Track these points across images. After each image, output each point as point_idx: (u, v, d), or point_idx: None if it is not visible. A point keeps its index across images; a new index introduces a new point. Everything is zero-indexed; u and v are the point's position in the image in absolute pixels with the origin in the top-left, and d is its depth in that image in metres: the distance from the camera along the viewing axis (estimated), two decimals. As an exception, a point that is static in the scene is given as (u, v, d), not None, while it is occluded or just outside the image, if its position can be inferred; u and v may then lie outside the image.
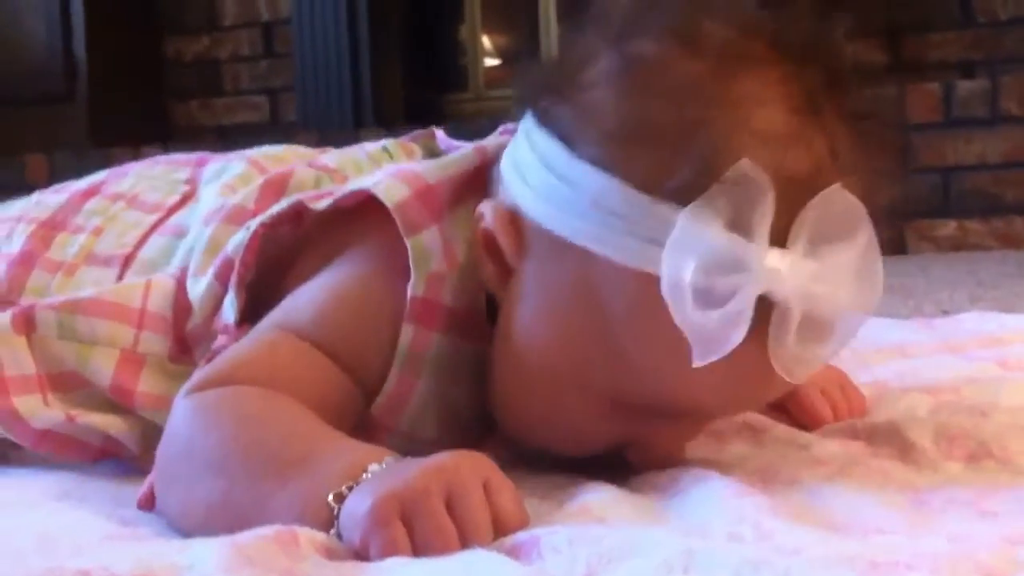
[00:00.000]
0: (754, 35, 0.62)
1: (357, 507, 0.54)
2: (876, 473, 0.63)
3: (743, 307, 0.57)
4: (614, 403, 0.64)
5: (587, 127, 0.63)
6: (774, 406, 0.78)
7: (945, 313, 1.37)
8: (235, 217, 0.78)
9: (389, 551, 0.52)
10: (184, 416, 0.65)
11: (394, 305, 0.68)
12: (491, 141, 0.74)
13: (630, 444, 0.66)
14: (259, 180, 0.80)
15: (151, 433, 0.74)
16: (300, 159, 0.84)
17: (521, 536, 0.52)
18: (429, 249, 0.68)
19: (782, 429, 0.73)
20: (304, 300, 0.70)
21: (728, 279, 0.57)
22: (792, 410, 0.77)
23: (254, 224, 0.74)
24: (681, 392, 0.62)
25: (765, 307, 0.58)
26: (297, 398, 0.65)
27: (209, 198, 0.83)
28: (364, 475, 0.56)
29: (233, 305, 0.73)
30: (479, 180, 0.71)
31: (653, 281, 0.58)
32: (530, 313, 0.66)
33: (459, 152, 0.73)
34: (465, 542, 0.52)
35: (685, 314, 0.58)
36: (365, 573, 0.51)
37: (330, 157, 0.83)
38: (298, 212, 0.73)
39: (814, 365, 0.61)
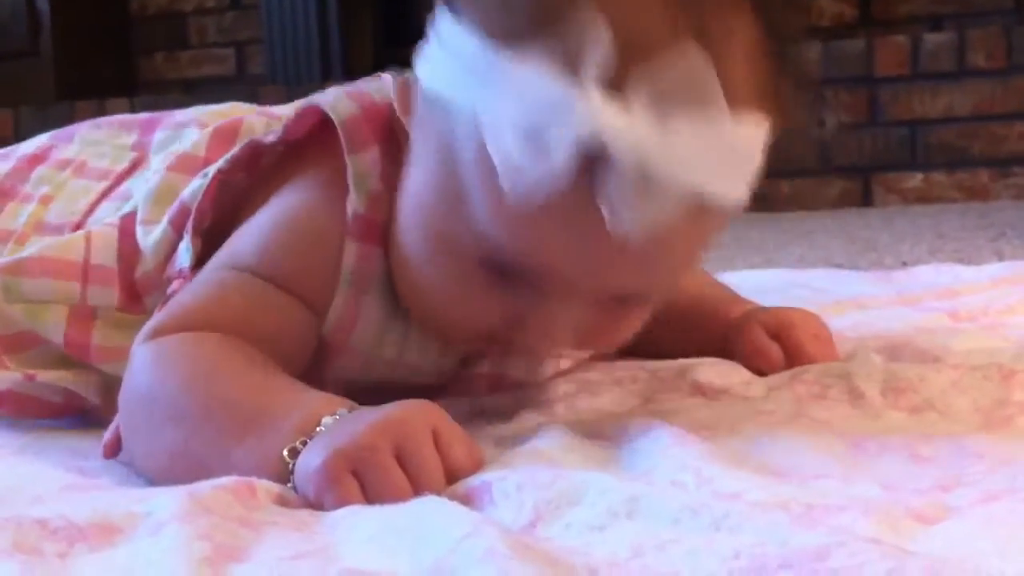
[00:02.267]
0: None
1: (309, 463, 0.55)
2: (818, 423, 0.65)
3: (561, 146, 0.57)
4: (485, 268, 0.64)
5: None
6: (726, 351, 0.79)
7: (904, 265, 1.39)
8: (184, 165, 0.79)
9: (342, 505, 0.53)
10: (142, 364, 0.66)
11: (337, 226, 0.69)
12: None
13: (516, 326, 0.65)
14: (208, 130, 0.80)
15: (111, 384, 0.75)
16: (245, 111, 0.84)
17: (473, 482, 0.54)
18: (368, 167, 0.69)
19: (737, 388, 0.74)
20: (247, 235, 0.71)
21: (552, 122, 0.57)
22: (745, 353, 0.79)
23: (211, 171, 0.74)
24: (528, 249, 0.62)
25: (601, 167, 0.57)
26: (254, 335, 0.66)
27: (159, 166, 0.83)
28: (318, 428, 0.57)
29: (189, 251, 0.74)
30: None
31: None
32: (409, 179, 0.67)
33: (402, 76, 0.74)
34: (417, 493, 0.54)
35: (504, 154, 0.58)
36: (320, 520, 0.52)
37: (278, 108, 0.84)
38: (253, 155, 0.74)
39: (655, 223, 0.58)
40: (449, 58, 0.63)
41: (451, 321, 0.68)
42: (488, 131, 0.59)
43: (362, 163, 0.69)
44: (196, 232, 0.74)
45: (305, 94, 0.82)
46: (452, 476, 0.55)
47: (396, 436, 0.55)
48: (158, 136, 0.86)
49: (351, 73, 3.02)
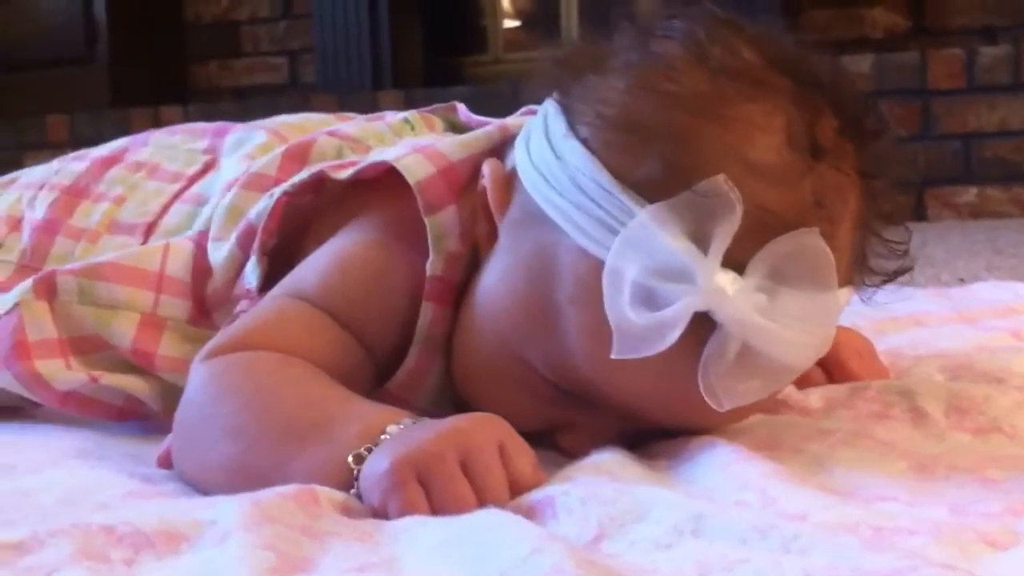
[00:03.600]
0: (776, 63, 0.62)
1: (376, 468, 0.55)
2: (881, 443, 0.64)
3: (678, 315, 0.57)
4: (548, 383, 0.64)
5: (589, 108, 0.63)
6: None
7: (962, 282, 1.38)
8: (256, 184, 0.79)
9: (407, 511, 0.53)
10: (200, 382, 0.66)
11: (410, 280, 0.69)
12: (513, 120, 0.75)
13: (562, 427, 0.66)
14: (280, 148, 0.81)
15: (172, 393, 0.76)
16: (320, 128, 0.85)
17: (536, 496, 0.54)
18: (447, 228, 0.69)
19: (795, 399, 0.74)
20: (312, 266, 0.72)
21: (670, 286, 0.57)
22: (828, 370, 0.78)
23: (277, 192, 0.75)
24: (611, 390, 0.62)
25: (706, 329, 0.58)
26: (311, 361, 0.66)
27: (230, 168, 0.84)
28: (383, 436, 0.58)
29: (255, 271, 0.74)
30: (498, 157, 0.72)
31: (602, 269, 0.59)
32: (493, 274, 0.66)
33: (482, 130, 0.74)
34: (482, 504, 0.54)
35: (617, 306, 0.58)
36: (382, 530, 0.52)
37: (351, 126, 0.84)
38: (320, 181, 0.74)
39: (744, 398, 0.60)
40: (563, 176, 0.62)
41: (494, 408, 0.65)
42: (607, 280, 0.59)
43: (440, 224, 0.69)
44: (262, 253, 0.74)
45: (356, 102, 0.83)
46: (516, 489, 0.55)
47: (463, 446, 0.55)
48: (229, 139, 0.87)
49: (401, 82, 3.04)
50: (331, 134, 0.82)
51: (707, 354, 0.58)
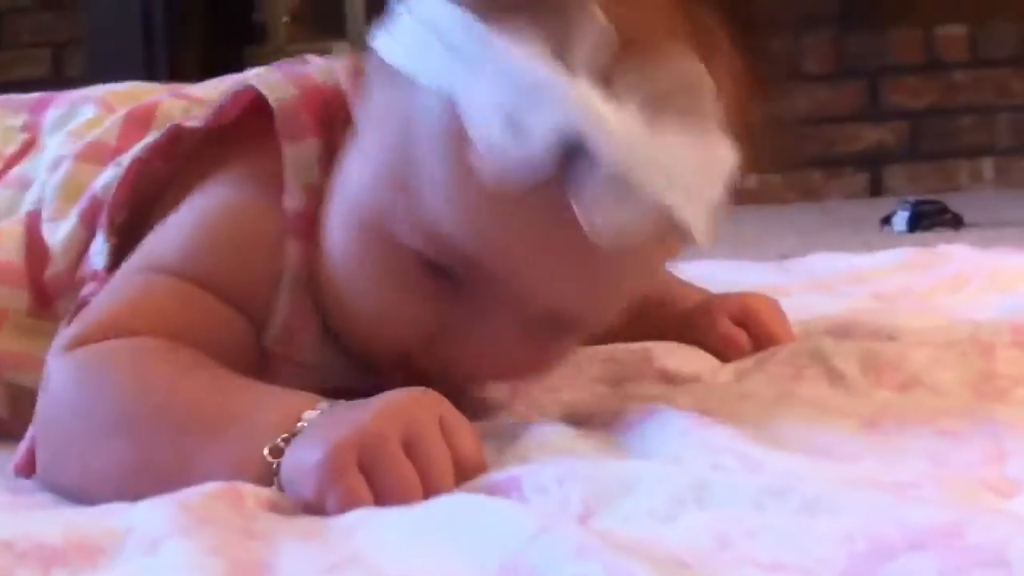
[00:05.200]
0: None
1: (306, 458, 0.49)
2: (810, 403, 0.62)
3: (546, 135, 0.52)
4: (419, 269, 0.58)
5: None
6: (684, 338, 0.76)
7: (785, 257, 1.40)
8: (94, 154, 0.70)
9: (349, 503, 0.47)
10: (66, 376, 0.58)
11: (274, 223, 0.62)
12: None
13: (441, 340, 0.59)
14: (120, 113, 0.72)
15: (18, 395, 0.67)
16: (159, 92, 0.77)
17: (496, 477, 0.48)
18: (309, 160, 0.63)
19: (705, 375, 0.71)
20: (170, 233, 0.64)
21: (536, 106, 0.52)
22: (712, 340, 0.75)
23: (126, 160, 0.66)
24: (482, 244, 0.56)
25: (577, 158, 0.52)
26: (190, 342, 0.59)
27: (55, 149, 0.75)
28: (299, 424, 0.51)
29: (103, 250, 0.65)
30: None
31: (457, 110, 0.54)
32: (346, 169, 0.61)
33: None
34: (427, 489, 0.48)
35: (483, 134, 0.52)
36: (328, 527, 0.46)
37: (197, 88, 0.76)
38: (174, 138, 0.66)
39: (625, 231, 0.53)
40: (419, 28, 0.57)
41: (370, 331, 0.61)
42: (467, 109, 0.53)
43: (301, 153, 0.62)
44: (111, 229, 0.66)
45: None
46: (459, 471, 0.50)
47: (404, 424, 0.49)
48: (51, 115, 0.77)
49: (177, 75, 2.89)
50: (175, 95, 0.74)
51: (582, 183, 0.52)
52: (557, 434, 0.55)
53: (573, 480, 0.46)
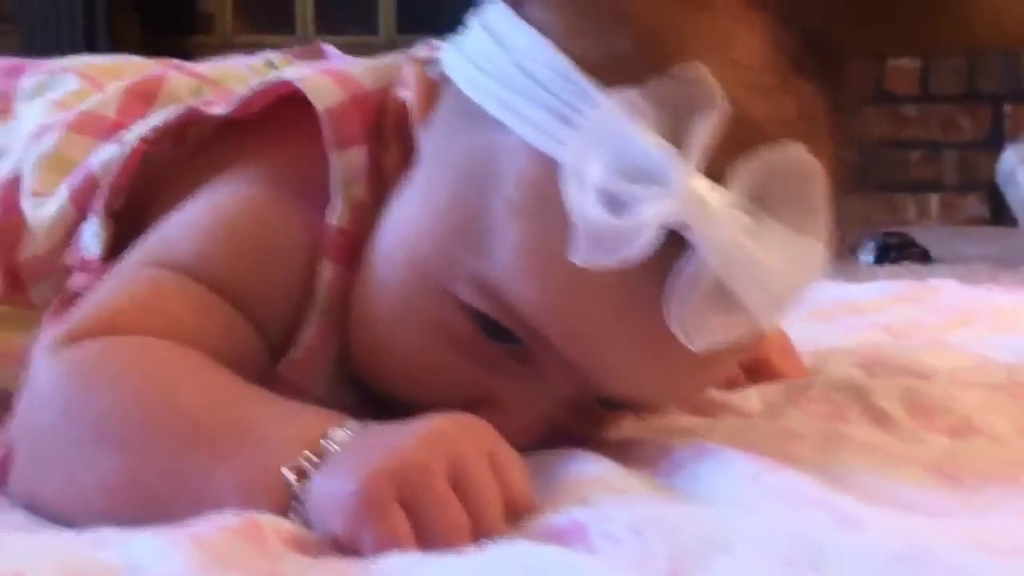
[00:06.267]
0: None
1: (337, 487, 0.42)
2: (866, 447, 0.57)
3: (650, 219, 0.46)
4: (472, 329, 0.52)
5: None
6: None
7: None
8: (89, 126, 0.63)
9: (387, 544, 0.41)
10: (54, 376, 0.51)
11: (308, 238, 0.55)
12: (420, 51, 0.63)
13: (483, 404, 0.52)
14: (120, 85, 0.65)
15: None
16: (159, 67, 0.69)
17: (556, 521, 0.42)
18: (356, 170, 0.56)
19: (732, 401, 0.65)
20: (185, 228, 0.56)
21: (641, 189, 0.47)
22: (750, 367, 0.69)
23: (131, 139, 0.59)
24: (548, 318, 0.50)
25: (674, 250, 0.48)
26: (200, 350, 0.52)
27: (33, 115, 0.67)
28: (325, 443, 0.45)
29: (98, 236, 0.58)
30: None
31: (553, 170, 0.48)
32: (410, 199, 0.54)
33: (390, 59, 0.61)
34: (476, 531, 0.42)
35: (579, 202, 0.47)
36: (366, 573, 0.39)
37: (202, 66, 0.69)
38: (188, 122, 0.59)
39: (716, 336, 0.48)
40: (514, 72, 0.51)
41: (403, 382, 0.54)
42: (568, 175, 0.47)
43: (349, 164, 0.55)
44: (107, 212, 0.58)
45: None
46: (508, 510, 0.44)
47: (451, 455, 0.43)
48: (25, 82, 0.69)
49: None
50: (180, 71, 0.67)
51: (677, 276, 0.48)
52: (607, 471, 0.49)
53: (652, 531, 0.40)
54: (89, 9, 2.83)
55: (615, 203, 0.47)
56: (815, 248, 0.49)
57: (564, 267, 0.47)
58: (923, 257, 1.74)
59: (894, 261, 1.71)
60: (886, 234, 1.78)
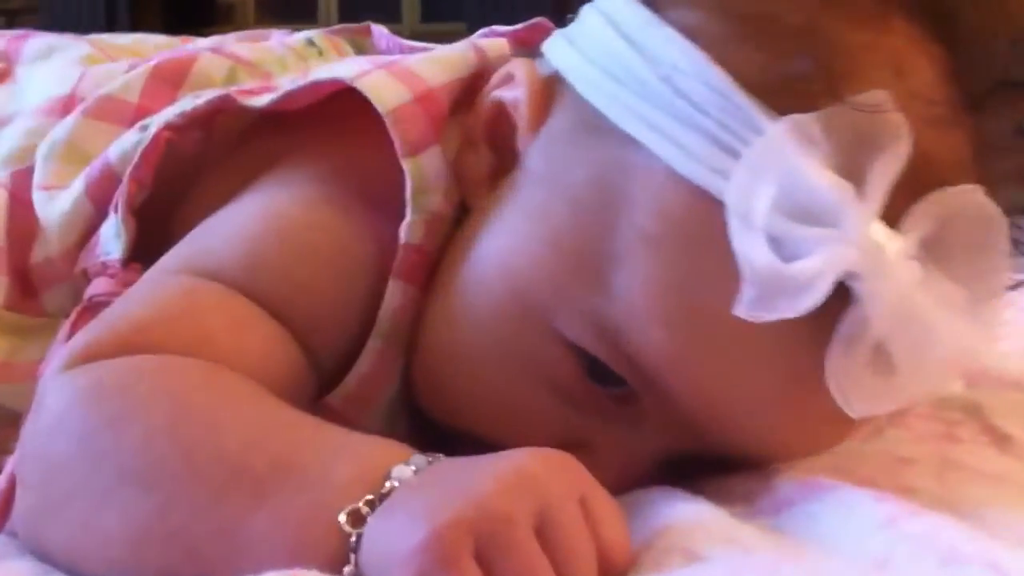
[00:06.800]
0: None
1: (401, 538, 0.36)
2: (995, 479, 0.49)
3: (824, 268, 0.40)
4: (574, 368, 0.46)
5: None
6: None
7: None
8: (109, 111, 0.57)
9: (460, 607, 0.34)
10: (68, 400, 0.44)
11: (373, 253, 0.49)
12: (481, 40, 0.56)
13: (575, 447, 0.45)
14: (146, 66, 0.58)
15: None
16: (190, 46, 0.63)
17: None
18: (431, 178, 0.49)
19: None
20: (230, 231, 0.50)
21: (812, 231, 0.40)
22: None
23: (154, 125, 0.53)
24: (671, 359, 0.44)
25: (837, 303, 0.41)
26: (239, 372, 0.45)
27: (38, 83, 0.61)
28: (388, 483, 0.38)
29: (119, 236, 0.52)
30: (475, 90, 0.52)
31: (703, 201, 0.42)
32: (512, 219, 0.47)
33: (456, 48, 0.54)
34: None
35: (749, 249, 0.41)
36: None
37: (239, 48, 0.62)
38: (220, 109, 0.52)
39: (879, 405, 0.43)
40: (646, 72, 0.44)
41: (482, 419, 0.47)
42: (733, 217, 0.41)
43: (423, 172, 0.49)
44: (129, 210, 0.52)
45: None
46: (601, 565, 0.37)
47: (537, 503, 0.36)
48: (29, 45, 0.64)
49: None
50: (215, 51, 0.60)
51: (842, 334, 0.41)
52: (707, 514, 0.42)
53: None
54: (111, 1, 2.79)
55: (781, 247, 0.40)
56: (991, 309, 0.43)
57: (702, 313, 0.42)
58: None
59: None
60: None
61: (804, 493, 0.44)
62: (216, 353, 0.45)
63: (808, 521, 0.43)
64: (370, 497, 0.38)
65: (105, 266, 0.52)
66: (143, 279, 0.49)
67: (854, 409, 0.42)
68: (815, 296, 0.40)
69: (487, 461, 0.38)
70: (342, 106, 0.50)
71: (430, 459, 0.39)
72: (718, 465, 0.48)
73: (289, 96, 0.51)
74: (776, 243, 0.40)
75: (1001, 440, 0.55)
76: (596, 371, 0.45)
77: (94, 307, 0.50)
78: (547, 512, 0.36)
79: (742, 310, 0.40)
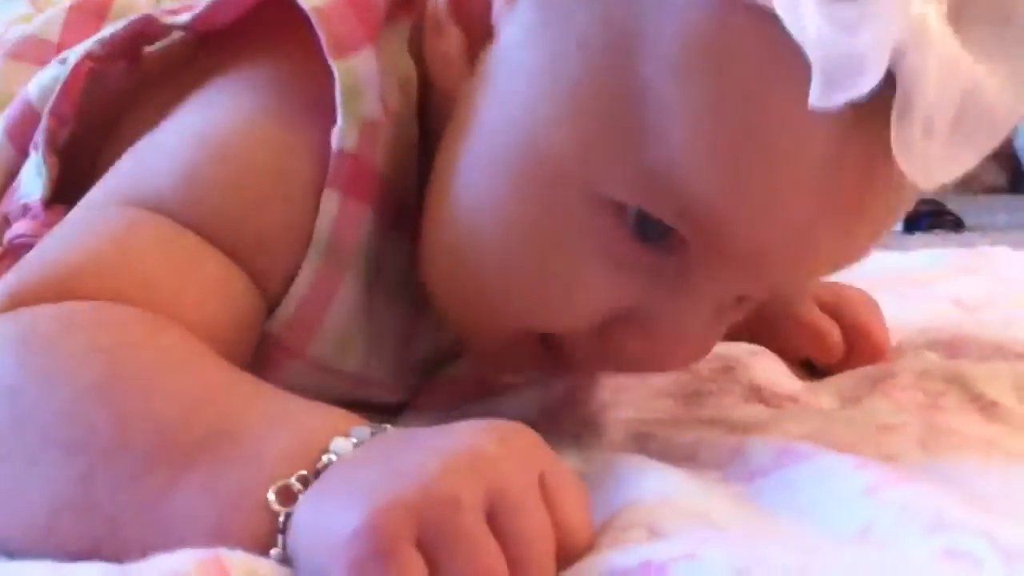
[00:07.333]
0: None
1: (334, 521, 0.32)
2: (978, 441, 0.47)
3: (880, 42, 0.36)
4: (617, 229, 0.42)
5: None
6: (760, 324, 0.60)
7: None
8: (31, 51, 0.54)
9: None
10: None
11: (309, 165, 0.45)
12: None
13: (621, 319, 0.44)
14: (65, 3, 0.55)
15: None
16: None
17: (622, 563, 0.32)
18: (364, 81, 0.45)
19: (803, 396, 0.56)
20: (163, 155, 0.46)
21: (858, 7, 0.37)
22: (797, 332, 0.60)
23: (74, 56, 0.49)
24: (723, 186, 0.40)
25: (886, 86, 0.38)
26: (178, 314, 0.42)
27: None
28: (325, 457, 0.34)
29: (40, 176, 0.48)
30: None
31: (730, 14, 0.38)
32: (517, 88, 0.43)
33: None
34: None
35: (809, 29, 0.37)
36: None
37: None
38: (141, 33, 0.49)
39: (954, 168, 0.39)
40: None
41: (528, 307, 0.44)
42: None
43: (355, 73, 0.45)
44: (51, 148, 0.48)
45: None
46: (559, 548, 0.33)
47: (489, 482, 0.32)
48: None
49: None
50: None
51: (899, 113, 0.38)
52: (677, 486, 0.38)
53: (759, 572, 0.30)
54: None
55: (841, 23, 0.37)
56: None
57: (748, 131, 0.38)
58: (956, 225, 1.63)
59: (926, 230, 1.60)
60: (917, 201, 1.67)
61: (780, 460, 0.41)
62: (156, 298, 0.41)
63: (784, 490, 0.39)
64: (303, 472, 0.34)
65: (26, 208, 0.48)
66: (70, 216, 0.45)
67: (927, 177, 0.39)
68: (876, 71, 0.37)
69: (435, 434, 0.35)
70: (273, 16, 0.46)
71: (373, 430, 0.36)
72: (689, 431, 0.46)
73: (214, 7, 0.48)
74: (842, 24, 0.37)
75: (988, 407, 0.52)
76: (641, 226, 0.42)
77: (15, 249, 0.46)
78: (500, 494, 0.32)
79: (815, 97, 0.36)
